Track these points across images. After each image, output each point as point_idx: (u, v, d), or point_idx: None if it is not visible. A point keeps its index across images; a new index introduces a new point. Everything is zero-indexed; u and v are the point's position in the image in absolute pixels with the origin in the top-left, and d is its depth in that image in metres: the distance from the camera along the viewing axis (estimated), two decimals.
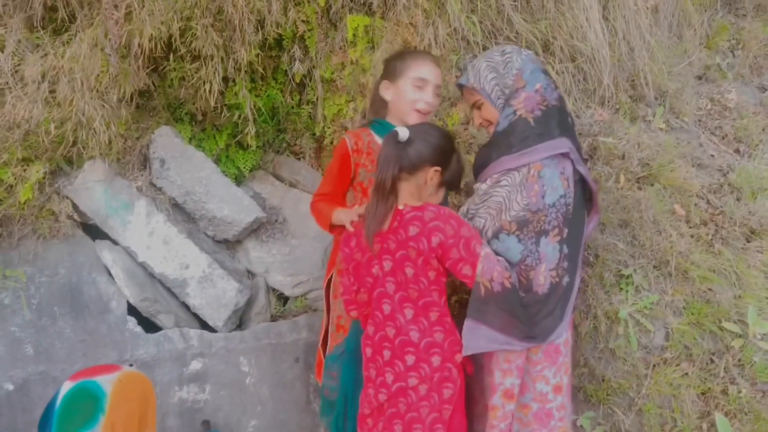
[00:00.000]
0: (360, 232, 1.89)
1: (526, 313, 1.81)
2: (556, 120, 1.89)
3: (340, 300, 2.08)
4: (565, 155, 1.86)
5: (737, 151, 2.96)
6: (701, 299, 2.40)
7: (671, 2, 3.20)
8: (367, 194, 2.04)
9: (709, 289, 2.41)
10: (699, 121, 3.11)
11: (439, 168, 1.87)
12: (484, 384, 1.93)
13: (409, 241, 1.81)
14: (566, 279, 1.84)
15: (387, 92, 2.13)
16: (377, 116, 2.19)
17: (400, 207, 1.84)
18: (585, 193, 1.98)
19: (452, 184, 1.95)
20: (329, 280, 2.22)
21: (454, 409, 1.85)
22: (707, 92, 3.26)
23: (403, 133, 1.84)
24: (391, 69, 2.13)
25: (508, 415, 1.85)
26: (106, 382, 1.48)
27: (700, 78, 3.35)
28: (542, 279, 1.81)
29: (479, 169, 2.02)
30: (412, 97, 2.06)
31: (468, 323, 1.81)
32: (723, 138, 3.02)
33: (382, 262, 1.85)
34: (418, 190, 1.87)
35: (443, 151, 1.89)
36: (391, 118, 2.14)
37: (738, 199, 2.66)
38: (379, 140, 2.08)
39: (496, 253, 1.83)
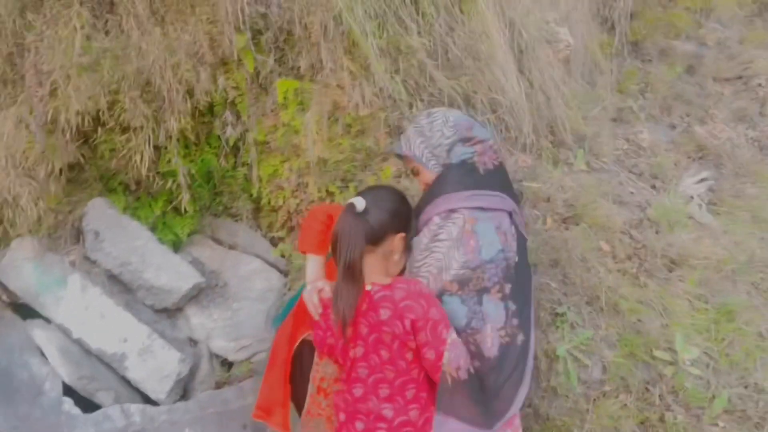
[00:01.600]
0: (328, 316, 1.82)
1: (485, 386, 1.73)
2: (501, 179, 1.95)
3: (329, 363, 2.01)
4: (503, 211, 1.89)
5: (653, 186, 3.16)
6: (632, 330, 2.50)
7: (581, 53, 3.44)
8: None
9: (639, 320, 2.51)
10: (617, 160, 3.31)
11: (403, 233, 1.86)
12: None
13: (381, 325, 1.74)
14: (520, 337, 1.79)
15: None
16: None
17: (368, 287, 1.76)
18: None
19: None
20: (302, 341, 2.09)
21: None
22: (623, 133, 3.49)
23: (360, 204, 1.78)
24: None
25: None
26: None
27: (615, 120, 3.58)
28: (489, 341, 1.74)
29: (420, 212, 1.96)
30: None
31: (438, 418, 1.73)
32: (640, 175, 3.22)
33: (355, 348, 1.79)
34: (385, 261, 1.83)
35: (402, 213, 1.87)
36: None
37: (657, 232, 2.82)
38: None
39: None
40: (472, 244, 1.80)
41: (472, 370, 1.74)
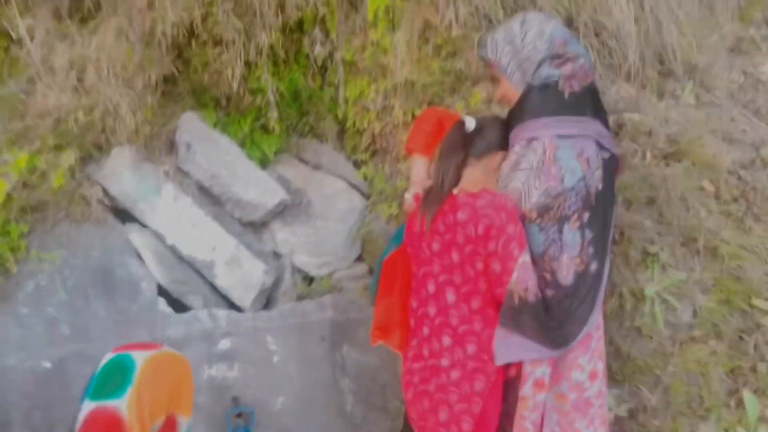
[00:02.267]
0: (417, 209, 1.92)
1: (557, 313, 1.73)
2: (591, 100, 1.82)
3: None
4: (587, 137, 1.79)
5: None
6: (731, 277, 2.35)
7: None
8: None
9: (739, 266, 2.35)
10: (731, 95, 3.01)
11: (506, 152, 1.89)
12: (516, 374, 1.87)
13: (457, 225, 1.79)
14: (594, 265, 1.76)
15: None
16: None
17: (455, 191, 1.84)
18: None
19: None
20: None
21: (486, 405, 1.80)
22: (740, 65, 3.16)
23: (470, 123, 1.89)
24: None
25: (539, 406, 1.79)
26: (140, 357, 1.53)
27: (732, 51, 3.24)
28: (565, 270, 1.73)
29: (508, 123, 1.93)
30: None
31: (500, 332, 1.76)
32: (756, 112, 2.92)
33: (431, 243, 1.85)
34: (485, 176, 1.88)
35: (507, 134, 1.90)
36: None
37: None
38: None
39: None
40: (553, 172, 1.75)
41: (540, 295, 1.73)
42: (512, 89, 1.88)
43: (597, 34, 2.73)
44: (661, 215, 2.48)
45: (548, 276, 1.75)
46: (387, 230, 2.75)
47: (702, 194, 2.52)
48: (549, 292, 1.76)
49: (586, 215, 1.74)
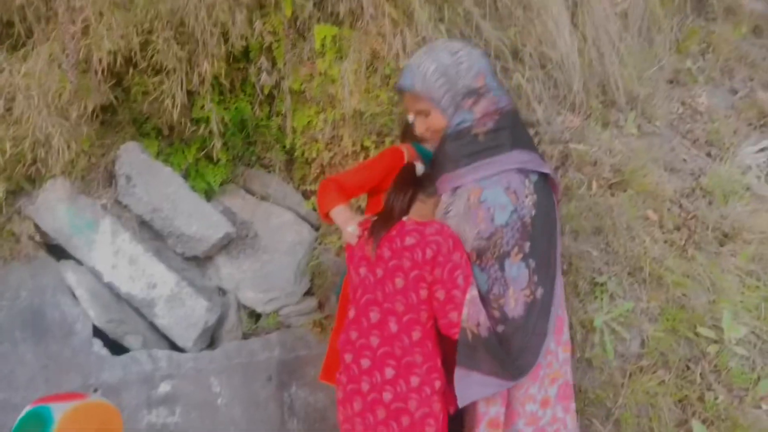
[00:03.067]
0: (362, 236, 1.88)
1: (512, 346, 1.71)
2: (509, 130, 1.78)
3: None
4: (509, 170, 1.76)
5: (709, 154, 2.97)
6: (676, 305, 2.39)
7: (640, 7, 3.20)
8: None
9: (684, 295, 2.40)
10: (671, 125, 3.11)
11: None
12: (467, 415, 1.86)
13: (404, 250, 1.77)
14: (540, 291, 1.75)
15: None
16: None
17: (404, 219, 1.84)
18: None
19: None
20: None
21: None
22: (678, 96, 3.27)
23: (420, 168, 1.89)
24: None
25: None
26: (59, 409, 1.41)
27: (671, 82, 3.36)
28: (513, 303, 1.72)
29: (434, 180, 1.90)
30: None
31: (459, 372, 1.72)
32: (695, 142, 3.02)
33: (375, 269, 1.82)
34: (433, 215, 1.87)
35: None
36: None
37: (710, 203, 2.66)
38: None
39: None
40: (481, 215, 1.73)
41: (492, 329, 1.72)
42: (442, 122, 1.82)
43: (542, 66, 2.78)
44: (607, 245, 2.51)
45: (496, 313, 1.73)
46: (337, 263, 2.69)
47: (646, 223, 2.57)
48: (500, 328, 1.74)
49: (527, 245, 1.72)
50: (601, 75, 2.93)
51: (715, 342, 2.30)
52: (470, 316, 1.71)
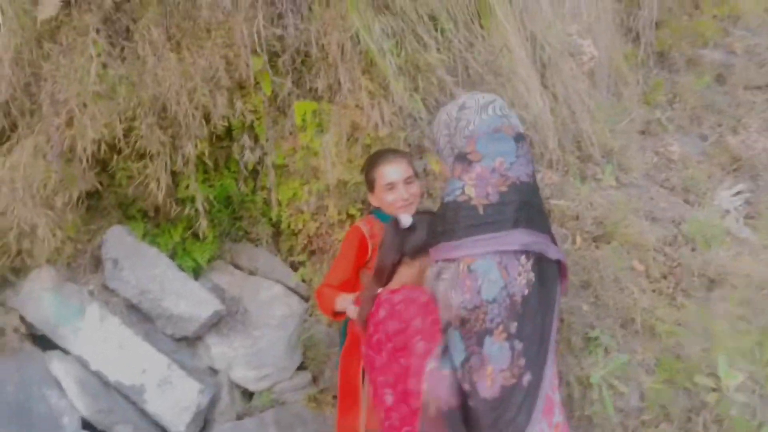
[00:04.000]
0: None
1: (482, 424, 1.60)
2: (516, 205, 1.64)
3: None
4: (506, 252, 1.63)
5: (687, 201, 3.04)
6: (671, 355, 2.38)
7: (605, 64, 3.35)
8: None
9: (678, 344, 2.40)
10: (647, 174, 3.19)
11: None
12: None
13: (379, 324, 1.78)
14: (527, 377, 1.62)
15: (373, 200, 2.24)
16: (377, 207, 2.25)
17: (379, 291, 1.84)
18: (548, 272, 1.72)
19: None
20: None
21: None
22: (651, 146, 3.37)
23: (406, 221, 1.86)
24: (367, 182, 2.24)
25: None
26: None
27: (643, 133, 3.47)
28: (489, 382, 1.59)
29: (428, 240, 1.84)
30: (389, 199, 2.14)
31: None
32: (672, 189, 3.10)
33: (367, 346, 1.84)
34: (420, 275, 1.85)
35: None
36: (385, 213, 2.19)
37: (693, 250, 2.70)
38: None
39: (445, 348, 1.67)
40: (468, 284, 1.62)
41: (456, 405, 1.63)
42: (448, 171, 1.80)
43: None
44: (597, 298, 2.52)
45: (467, 387, 1.62)
46: (329, 334, 2.67)
47: (633, 274, 2.60)
48: (471, 402, 1.64)
49: (514, 325, 1.60)
50: (574, 131, 3.02)
51: (714, 390, 2.29)
52: (431, 389, 1.63)
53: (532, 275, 1.63)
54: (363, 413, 2.09)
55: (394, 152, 2.29)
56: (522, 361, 1.60)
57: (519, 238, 1.63)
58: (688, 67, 3.98)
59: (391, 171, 2.15)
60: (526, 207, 1.66)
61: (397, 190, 2.13)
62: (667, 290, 2.53)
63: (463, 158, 1.68)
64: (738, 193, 3.14)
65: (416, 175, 2.23)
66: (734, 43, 4.24)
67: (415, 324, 1.72)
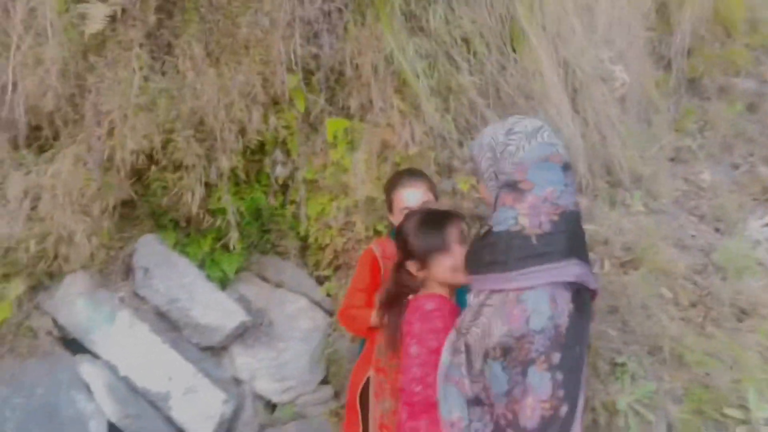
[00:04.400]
0: None
1: None
2: (567, 234, 1.59)
3: (385, 399, 2.06)
4: (558, 283, 1.58)
5: (717, 229, 3.01)
6: (700, 385, 2.34)
7: (637, 91, 3.35)
8: None
9: (707, 374, 2.36)
10: (676, 202, 3.17)
11: (417, 262, 1.90)
12: None
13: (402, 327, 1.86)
14: (564, 408, 1.57)
15: (392, 220, 2.25)
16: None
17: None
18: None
19: (432, 251, 1.89)
20: (365, 383, 2.14)
21: None
22: (681, 173, 3.35)
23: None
24: (387, 203, 2.27)
25: None
26: None
27: (673, 160, 3.45)
28: (529, 412, 1.56)
29: (468, 268, 1.78)
30: None
31: None
32: (701, 218, 3.07)
33: None
34: (434, 282, 1.91)
35: (405, 246, 1.93)
36: None
37: (724, 279, 2.67)
38: None
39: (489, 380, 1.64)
40: (516, 313, 1.58)
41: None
42: (487, 194, 1.76)
43: None
44: (624, 323, 2.50)
45: (510, 415, 1.60)
46: (352, 349, 2.67)
47: (662, 301, 2.57)
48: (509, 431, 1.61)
49: (557, 356, 1.56)
50: (604, 157, 3.02)
51: (743, 423, 2.24)
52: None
53: (572, 306, 1.59)
54: (361, 428, 2.10)
55: (415, 176, 2.28)
56: (561, 393, 1.56)
57: (572, 269, 1.59)
58: (719, 95, 3.96)
59: (409, 195, 2.15)
60: (575, 236, 1.63)
61: None
62: (696, 319, 2.50)
63: (513, 186, 1.64)
64: None
65: (436, 198, 2.23)
66: (766, 72, 4.21)
67: (412, 329, 1.80)
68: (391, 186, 2.25)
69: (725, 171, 3.46)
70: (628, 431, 2.27)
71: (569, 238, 1.60)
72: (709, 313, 2.53)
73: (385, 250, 2.21)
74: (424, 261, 1.90)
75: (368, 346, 2.19)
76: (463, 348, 1.71)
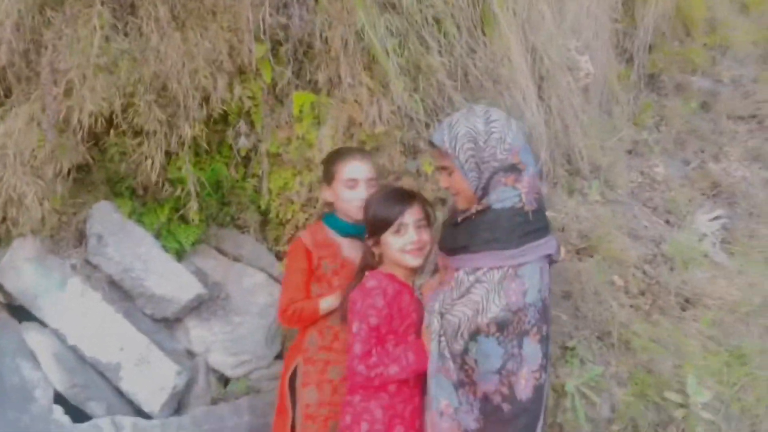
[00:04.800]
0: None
1: (515, 429, 1.66)
2: (545, 211, 1.73)
3: (311, 388, 2.06)
4: (546, 256, 1.71)
5: (667, 221, 3.12)
6: (644, 369, 2.45)
7: (600, 82, 3.41)
8: (332, 285, 2.11)
9: (651, 359, 2.46)
10: (632, 193, 3.28)
11: (371, 238, 1.95)
12: None
13: None
14: (545, 376, 1.69)
15: (327, 194, 2.20)
16: (329, 210, 2.24)
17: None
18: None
19: (383, 228, 1.92)
20: (294, 370, 2.13)
21: None
22: (637, 166, 3.46)
23: None
24: (325, 173, 2.21)
25: None
26: None
27: (630, 152, 3.56)
28: (523, 382, 1.65)
29: (451, 249, 1.82)
30: (347, 197, 2.11)
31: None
32: (654, 210, 3.18)
33: None
34: (389, 260, 1.94)
35: (365, 219, 1.99)
36: (339, 213, 2.18)
37: (671, 269, 2.78)
38: (333, 234, 2.17)
39: (474, 359, 1.69)
40: (514, 287, 1.65)
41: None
42: (464, 185, 1.77)
43: None
44: (577, 309, 2.58)
45: (505, 390, 1.67)
46: None
47: (613, 288, 2.67)
48: (506, 407, 1.68)
49: (545, 328, 1.67)
50: (565, 145, 3.08)
51: (682, 406, 2.36)
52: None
53: (548, 278, 1.71)
54: (290, 420, 2.10)
55: (363, 152, 2.29)
56: (545, 362, 1.68)
57: (553, 243, 1.72)
58: (676, 92, 4.10)
59: (356, 167, 2.11)
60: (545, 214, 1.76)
61: (359, 189, 2.10)
62: (644, 306, 2.60)
63: (513, 168, 1.69)
64: (716, 218, 3.24)
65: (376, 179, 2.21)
66: (722, 72, 4.37)
67: (356, 306, 1.84)
68: (336, 156, 2.20)
69: (678, 166, 3.59)
70: (574, 412, 2.35)
71: (545, 214, 1.73)
72: (656, 301, 2.64)
73: (315, 237, 2.15)
74: (376, 237, 1.93)
75: (299, 336, 2.19)
76: (441, 331, 1.75)
